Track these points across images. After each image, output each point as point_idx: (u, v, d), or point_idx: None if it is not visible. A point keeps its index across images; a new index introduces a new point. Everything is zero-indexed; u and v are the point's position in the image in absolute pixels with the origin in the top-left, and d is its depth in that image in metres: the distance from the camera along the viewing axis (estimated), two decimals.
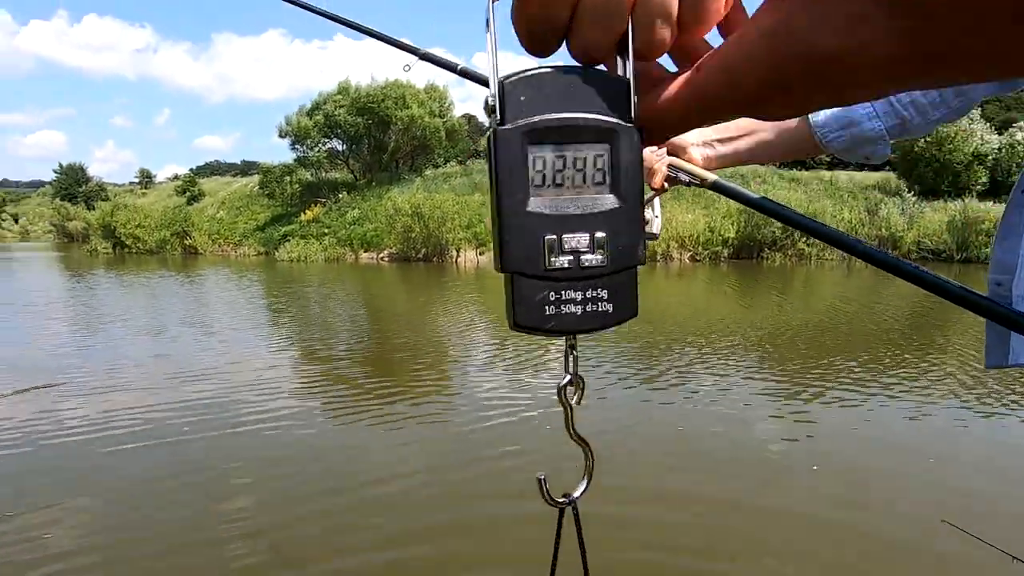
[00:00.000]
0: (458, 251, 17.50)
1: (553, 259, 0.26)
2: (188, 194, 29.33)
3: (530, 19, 0.22)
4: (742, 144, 0.81)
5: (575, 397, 0.32)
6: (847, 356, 5.62)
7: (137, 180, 47.98)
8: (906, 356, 5.62)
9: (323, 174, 24.38)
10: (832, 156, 0.79)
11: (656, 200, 0.73)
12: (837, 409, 4.11)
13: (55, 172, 45.24)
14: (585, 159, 0.26)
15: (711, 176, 0.71)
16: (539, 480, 0.36)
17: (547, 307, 0.27)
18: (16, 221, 52.19)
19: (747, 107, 0.21)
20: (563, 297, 0.27)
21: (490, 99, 0.25)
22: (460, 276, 14.17)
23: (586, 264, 0.26)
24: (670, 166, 0.76)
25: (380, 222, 18.93)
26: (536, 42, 0.23)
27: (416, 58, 1.12)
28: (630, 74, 0.24)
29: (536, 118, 0.25)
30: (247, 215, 24.17)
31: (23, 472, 3.13)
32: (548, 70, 0.24)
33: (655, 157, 0.77)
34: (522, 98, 0.25)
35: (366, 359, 5.85)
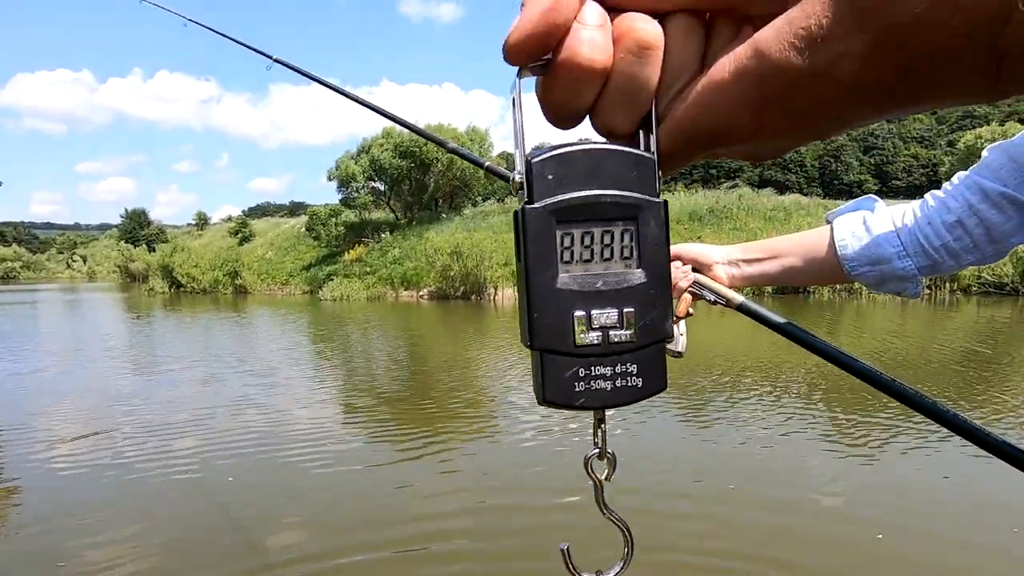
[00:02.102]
0: (496, 288, 17.65)
1: (583, 335, 0.26)
2: (240, 235, 30.77)
3: (555, 103, 0.24)
4: (768, 266, 0.81)
5: (605, 473, 0.31)
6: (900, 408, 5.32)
7: (194, 222, 50.75)
8: (970, 396, 5.29)
9: (367, 214, 25.23)
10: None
11: (682, 320, 0.75)
12: (900, 459, 3.89)
13: (121, 216, 48.36)
14: (612, 235, 0.26)
15: (737, 297, 0.72)
16: (563, 551, 0.34)
17: (576, 383, 0.27)
18: (84, 262, 55.81)
19: (730, 136, 0.23)
20: (593, 373, 0.27)
21: (517, 177, 0.25)
22: (498, 313, 14.25)
23: (615, 340, 0.26)
24: (695, 283, 0.78)
25: (420, 261, 19.35)
26: (561, 121, 0.24)
27: (446, 151, 1.18)
28: (654, 149, 0.25)
29: (564, 196, 0.25)
30: (294, 255, 25.15)
31: (84, 510, 3.27)
32: (574, 149, 0.25)
33: (680, 274, 0.79)
34: (549, 176, 0.25)
35: (408, 400, 5.91)
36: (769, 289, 17.28)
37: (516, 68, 0.24)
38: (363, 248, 21.76)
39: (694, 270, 0.80)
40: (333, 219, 24.92)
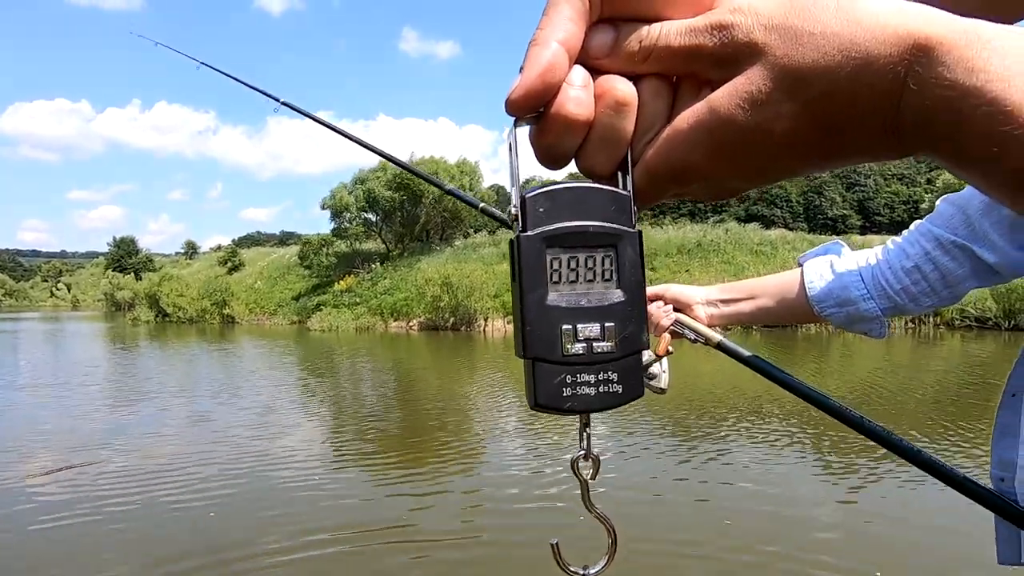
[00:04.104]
0: (486, 320, 17.62)
1: (569, 346, 0.29)
2: (229, 264, 30.63)
3: (546, 147, 0.28)
4: (744, 307, 0.85)
5: (590, 472, 0.34)
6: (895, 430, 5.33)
7: (182, 251, 50.46)
8: (954, 433, 5.31)
9: (358, 245, 25.28)
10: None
11: (664, 358, 0.77)
12: (886, 491, 3.87)
13: (108, 244, 48.00)
14: (595, 259, 0.30)
15: (716, 336, 0.75)
16: (552, 546, 0.36)
17: (564, 389, 0.30)
18: (69, 290, 55.06)
19: (688, 175, 0.27)
20: (578, 380, 0.30)
21: (513, 210, 0.29)
22: (488, 345, 14.19)
23: (598, 350, 0.30)
24: (676, 322, 0.80)
25: (410, 292, 19.33)
26: (551, 162, 0.29)
27: (443, 192, 1.21)
28: (630, 188, 0.29)
29: (553, 226, 0.29)
30: (283, 285, 25.03)
31: (60, 544, 3.16)
32: (561, 186, 0.29)
33: (662, 313, 0.81)
34: (540, 209, 0.29)
35: (396, 435, 5.82)
36: (757, 325, 17.40)
37: (514, 119, 0.28)
38: (353, 278, 21.72)
39: (676, 309, 0.83)
40: (325, 249, 24.94)
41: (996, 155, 0.21)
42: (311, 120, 1.63)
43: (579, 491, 0.34)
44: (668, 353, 0.78)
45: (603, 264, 0.30)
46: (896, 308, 0.77)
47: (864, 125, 0.23)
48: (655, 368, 0.75)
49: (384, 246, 24.98)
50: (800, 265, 0.84)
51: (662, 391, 0.76)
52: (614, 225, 0.29)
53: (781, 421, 6.08)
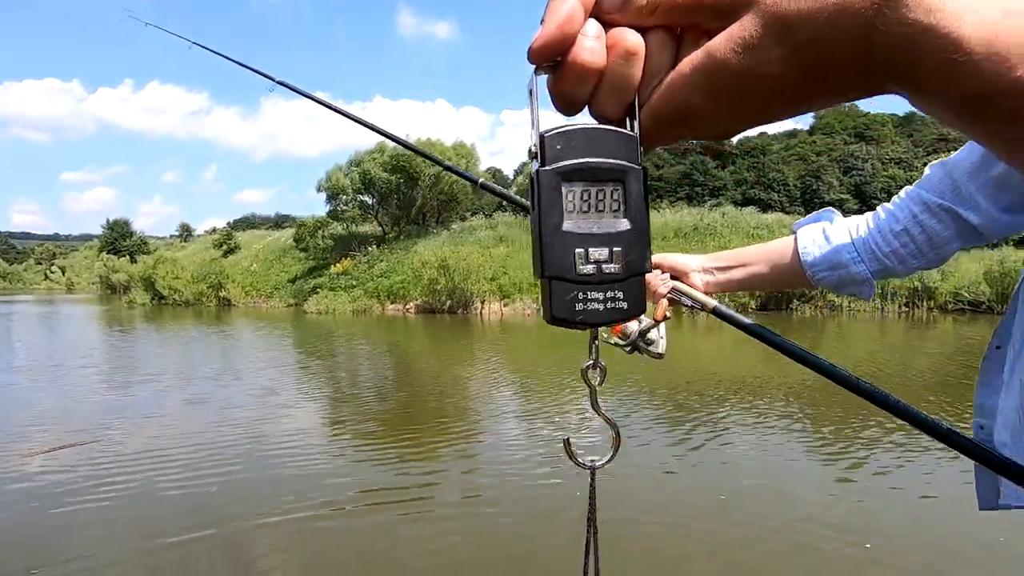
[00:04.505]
0: (482, 302, 17.65)
1: (581, 267, 0.33)
2: (224, 247, 30.48)
3: (562, 93, 0.31)
4: (738, 273, 0.87)
5: (597, 379, 0.40)
6: (882, 412, 5.42)
7: (177, 234, 50.17)
8: (946, 412, 5.40)
9: (354, 227, 25.17)
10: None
11: (661, 323, 0.79)
12: (877, 471, 3.95)
13: (102, 227, 47.63)
14: (605, 192, 0.34)
15: (711, 302, 0.76)
16: (565, 442, 0.44)
17: (576, 304, 0.34)
18: (63, 273, 54.76)
19: (690, 118, 0.30)
20: (589, 297, 0.34)
21: (533, 148, 0.33)
22: (485, 328, 14.24)
23: (606, 271, 0.34)
24: (673, 290, 0.82)
25: (407, 274, 19.31)
26: (566, 107, 0.31)
27: (442, 168, 1.21)
28: (637, 130, 0.32)
29: (568, 161, 0.32)
30: (279, 268, 24.94)
31: (55, 526, 3.20)
32: (576, 127, 0.33)
33: (659, 281, 0.83)
34: (557, 147, 0.32)
35: (395, 420, 5.87)
36: (753, 306, 17.51)
37: (534, 67, 0.31)
38: (350, 261, 21.66)
39: (673, 278, 0.84)
40: (320, 231, 24.82)
41: (947, 82, 0.23)
42: (307, 99, 1.62)
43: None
44: (666, 319, 0.79)
45: (612, 196, 0.34)
46: (885, 270, 0.80)
47: (844, 71, 0.25)
48: (653, 334, 0.77)
49: (380, 229, 24.88)
50: (794, 232, 0.86)
51: (660, 356, 0.78)
52: (622, 162, 0.33)
53: (776, 399, 6.15)
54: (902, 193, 0.82)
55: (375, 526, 3.28)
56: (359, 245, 22.78)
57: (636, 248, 0.34)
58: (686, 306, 0.81)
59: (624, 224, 0.34)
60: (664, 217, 22.59)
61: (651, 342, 0.77)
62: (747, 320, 0.74)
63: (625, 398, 6.19)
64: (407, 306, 18.63)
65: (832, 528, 3.15)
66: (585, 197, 0.33)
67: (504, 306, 17.83)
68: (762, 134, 36.80)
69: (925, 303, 17.15)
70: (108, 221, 47.30)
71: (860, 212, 0.84)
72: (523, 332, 13.65)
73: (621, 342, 0.76)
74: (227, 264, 25.92)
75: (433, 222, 24.91)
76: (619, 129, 0.32)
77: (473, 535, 3.16)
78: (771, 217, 22.81)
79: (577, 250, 0.33)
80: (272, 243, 28.73)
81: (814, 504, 3.50)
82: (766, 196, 41.11)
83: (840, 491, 3.72)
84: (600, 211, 0.34)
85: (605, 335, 0.74)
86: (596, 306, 0.34)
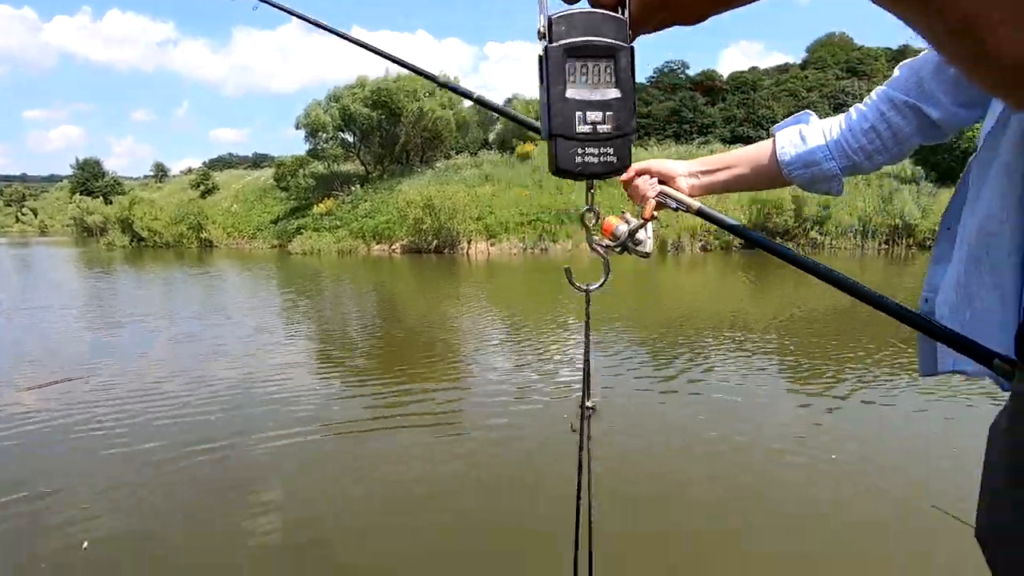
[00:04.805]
0: (469, 242, 17.59)
1: (580, 127, 0.41)
2: (202, 187, 29.67)
3: None
4: (721, 176, 0.91)
5: (593, 222, 0.52)
6: (860, 344, 5.66)
7: (152, 174, 48.52)
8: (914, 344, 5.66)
9: (336, 166, 24.54)
10: None
11: (648, 224, 0.82)
12: (850, 399, 4.17)
13: (72, 167, 45.80)
14: (600, 66, 0.40)
15: (696, 204, 0.80)
16: (566, 270, 0.57)
17: (576, 158, 0.42)
18: (35, 215, 53.11)
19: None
20: (586, 152, 0.42)
21: (541, 29, 0.39)
22: (472, 269, 14.28)
23: (600, 131, 0.41)
24: (660, 193, 0.85)
25: (392, 214, 19.06)
26: None
27: (437, 87, 1.20)
28: (627, 15, 0.38)
29: (571, 40, 0.39)
30: (260, 208, 24.43)
31: (51, 458, 3.30)
32: (576, 11, 0.39)
33: (647, 185, 0.86)
34: (562, 28, 0.39)
35: (385, 355, 5.98)
36: (737, 244, 17.69)
37: None
38: (333, 201, 21.27)
39: (661, 182, 0.88)
40: (301, 170, 24.19)
41: None
42: (295, 18, 1.55)
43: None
44: (653, 218, 0.83)
45: (605, 70, 0.41)
46: (853, 166, 0.85)
47: None
48: (641, 234, 0.81)
49: (363, 168, 24.30)
50: (773, 135, 0.90)
51: (647, 255, 0.82)
52: (615, 41, 0.39)
53: (754, 333, 6.35)
54: (872, 95, 0.86)
55: (368, 449, 3.42)
56: (342, 185, 22.30)
57: (624, 113, 0.41)
58: (672, 208, 0.85)
59: (615, 93, 0.41)
60: (651, 153, 22.32)
61: (639, 242, 0.81)
62: (731, 220, 0.78)
63: (614, 334, 6.35)
64: (393, 246, 18.51)
65: (800, 443, 3.36)
66: (584, 70, 0.40)
67: (491, 246, 17.80)
68: (753, 69, 35.87)
69: (904, 240, 17.46)
70: (78, 161, 45.42)
71: None
72: (510, 272, 13.73)
73: (611, 243, 0.80)
74: (206, 205, 25.30)
75: (417, 161, 24.35)
76: (613, 14, 0.38)
77: (463, 458, 3.32)
78: None
79: (577, 113, 0.40)
80: (251, 183, 28.00)
81: (785, 423, 3.71)
82: (755, 134, 40.62)
83: (809, 412, 3.94)
84: (596, 82, 0.40)
85: (596, 237, 0.78)
86: (592, 159, 0.41)
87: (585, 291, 0.57)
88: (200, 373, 5.05)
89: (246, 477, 3.07)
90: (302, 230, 20.31)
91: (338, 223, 20.08)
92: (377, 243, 18.86)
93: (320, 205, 21.14)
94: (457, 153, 26.01)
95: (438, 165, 23.40)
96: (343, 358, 5.66)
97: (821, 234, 17.68)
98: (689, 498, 2.79)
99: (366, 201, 20.78)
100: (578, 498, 0.71)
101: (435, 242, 17.49)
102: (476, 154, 24.90)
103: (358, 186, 21.98)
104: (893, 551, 2.34)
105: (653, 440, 3.51)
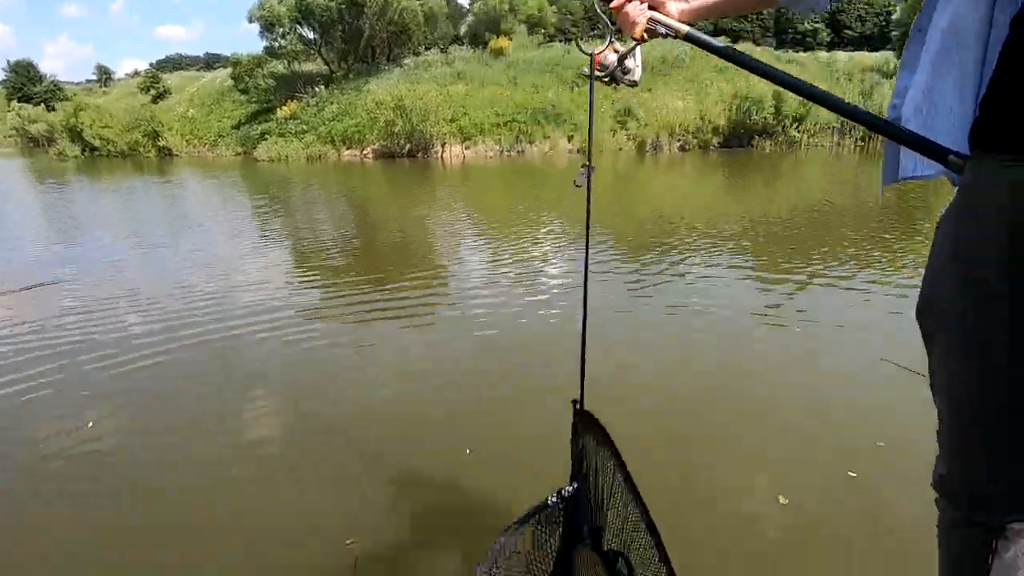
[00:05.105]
0: (443, 145, 17.02)
1: None
2: (152, 91, 27.60)
3: None
4: None
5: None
6: (826, 244, 5.82)
7: (95, 77, 44.80)
8: (884, 237, 5.84)
9: (297, 66, 22.90)
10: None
11: (637, 50, 0.80)
12: (816, 290, 4.35)
13: (3, 70, 41.88)
14: None
15: (684, 28, 0.77)
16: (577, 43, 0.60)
17: None
18: None
19: None
20: None
21: None
22: (447, 173, 13.92)
23: None
24: (650, 20, 0.82)
25: (361, 117, 18.16)
26: None
27: None
28: None
29: None
30: (219, 113, 22.98)
31: (34, 364, 3.30)
32: None
33: (637, 11, 0.82)
34: None
35: (362, 259, 5.94)
36: (715, 143, 17.48)
37: None
38: (297, 104, 20.07)
39: (650, 8, 0.84)
40: (259, 70, 22.55)
41: None
42: None
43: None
44: (643, 40, 0.81)
45: None
46: None
47: None
48: (629, 62, 0.78)
49: (326, 67, 22.72)
50: None
51: (635, 84, 0.81)
52: None
53: (727, 238, 6.45)
54: None
55: (348, 344, 3.50)
56: (304, 86, 20.93)
57: None
58: (662, 34, 0.82)
59: None
60: None
61: (628, 71, 0.79)
62: (718, 43, 0.75)
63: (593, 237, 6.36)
64: (364, 151, 17.82)
65: (766, 344, 3.54)
66: None
67: (466, 149, 17.27)
68: None
69: (879, 137, 17.43)
70: (9, 63, 41.48)
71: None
72: (486, 175, 13.44)
73: (600, 73, 0.77)
74: (159, 110, 23.65)
75: (383, 59, 22.80)
76: None
77: (444, 352, 3.43)
78: (740, 46, 21.75)
79: None
80: (207, 86, 26.09)
81: (753, 328, 3.88)
82: (739, 26, 38.80)
83: (775, 314, 4.11)
84: None
85: (585, 70, 0.76)
86: None
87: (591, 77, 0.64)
88: (178, 278, 4.99)
89: (238, 373, 3.14)
90: (267, 136, 19.32)
91: (304, 127, 19.10)
92: (347, 148, 18.12)
93: (283, 108, 19.95)
94: (426, 49, 24.41)
95: (406, 63, 22.02)
96: (320, 262, 5.62)
97: (799, 131, 17.51)
98: (662, 369, 2.96)
99: (332, 103, 19.67)
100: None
101: (408, 146, 16.88)
102: (446, 50, 23.42)
103: (322, 87, 20.68)
104: (846, 397, 2.56)
105: (630, 335, 3.65)
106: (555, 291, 4.39)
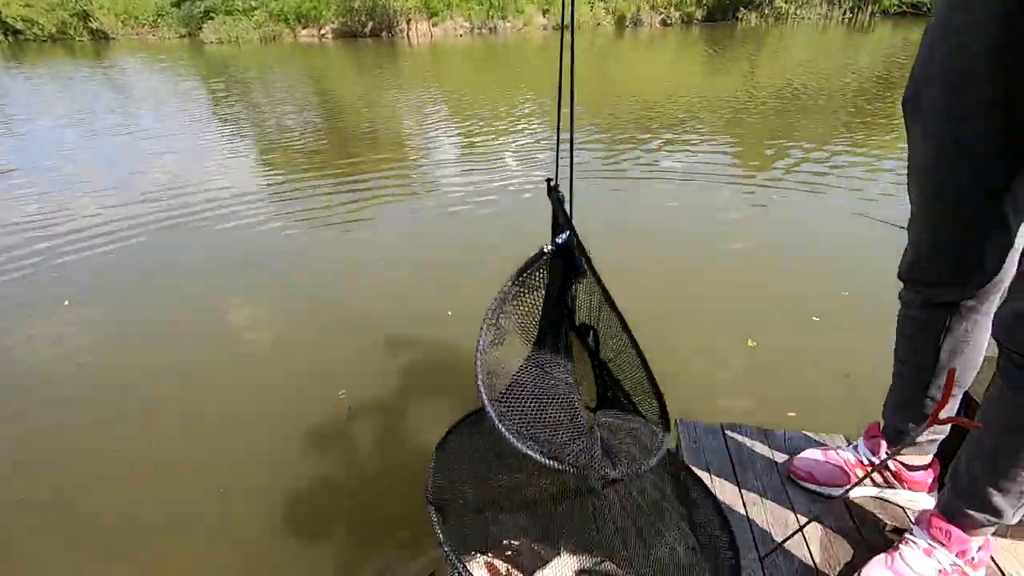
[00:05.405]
0: (408, 22, 15.72)
1: None
2: None
3: None
4: None
5: None
6: (806, 116, 5.70)
7: None
8: (864, 108, 5.75)
9: None
10: None
11: None
12: (794, 158, 4.33)
13: None
14: None
15: None
16: None
17: None
18: None
19: None
20: None
21: None
22: (414, 53, 12.98)
23: None
24: None
25: None
26: None
27: None
28: None
29: None
30: None
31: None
32: None
33: None
34: None
35: (329, 150, 5.65)
36: (699, 17, 16.46)
37: None
38: None
39: None
40: None
41: None
42: None
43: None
44: None
45: None
46: None
47: None
48: None
49: None
50: None
51: None
52: None
53: (704, 111, 6.26)
54: None
55: (321, 239, 3.43)
56: None
57: None
58: None
59: None
60: None
61: None
62: None
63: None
64: (322, 31, 16.40)
65: (741, 235, 3.55)
66: None
67: (433, 26, 15.99)
68: None
69: (869, 7, 16.59)
70: None
71: None
72: (456, 55, 12.58)
73: None
74: None
75: None
76: None
77: (422, 227, 3.39)
78: None
79: None
80: None
81: (729, 219, 3.87)
82: None
83: (751, 208, 4.09)
84: None
85: None
86: None
87: None
88: (134, 165, 4.72)
89: (216, 255, 3.07)
90: (212, 14, 17.50)
91: (253, 4, 17.30)
92: (304, 27, 16.62)
93: None
94: None
95: None
96: (286, 154, 5.35)
97: (786, 2, 16.53)
98: (637, 229, 3.00)
99: None
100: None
101: (370, 23, 15.55)
102: None
103: None
104: (819, 254, 2.66)
105: (604, 199, 3.62)
106: (531, 167, 4.29)
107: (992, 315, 0.85)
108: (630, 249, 2.90)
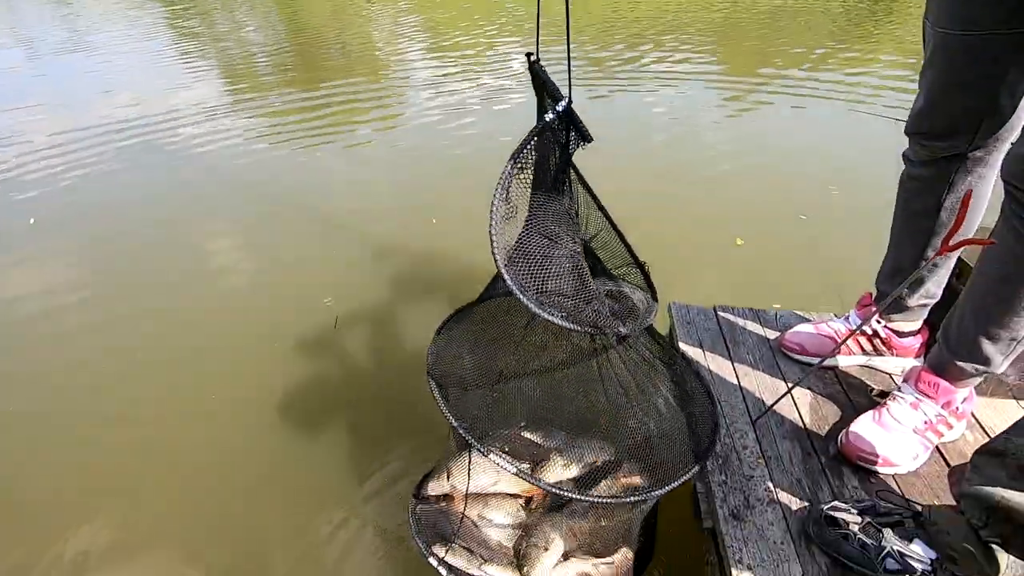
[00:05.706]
0: None
1: None
2: None
3: None
4: None
5: None
6: (801, 23, 5.47)
7: None
8: (855, 41, 5.53)
9: None
10: None
11: None
12: (777, 97, 4.19)
13: None
14: None
15: None
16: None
17: None
18: None
19: None
20: None
21: None
22: None
23: None
24: None
25: None
26: None
27: None
28: None
29: None
30: None
31: None
32: None
33: None
34: None
35: (300, 79, 5.26)
36: None
37: None
38: None
39: None
40: None
41: None
42: None
43: None
44: None
45: None
46: None
47: None
48: None
49: None
50: None
51: None
52: None
53: (692, 47, 5.99)
54: None
55: (300, 161, 3.20)
56: None
57: None
58: None
59: None
60: None
61: None
62: None
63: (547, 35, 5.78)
64: None
65: (726, 154, 3.45)
66: None
67: None
68: None
69: None
70: None
71: None
72: None
73: None
74: None
75: None
76: None
77: (400, 144, 3.25)
78: None
79: None
80: None
81: (714, 134, 3.75)
82: None
83: (736, 122, 3.96)
84: None
85: None
86: None
87: None
88: (92, 85, 4.41)
89: (188, 179, 2.93)
90: None
91: None
92: None
93: None
94: None
95: None
96: (256, 83, 5.02)
97: None
98: (623, 136, 2.92)
99: None
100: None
101: None
102: None
103: None
104: (812, 152, 2.62)
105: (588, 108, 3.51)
106: (511, 82, 4.10)
107: (998, 167, 0.83)
108: (616, 157, 2.82)
